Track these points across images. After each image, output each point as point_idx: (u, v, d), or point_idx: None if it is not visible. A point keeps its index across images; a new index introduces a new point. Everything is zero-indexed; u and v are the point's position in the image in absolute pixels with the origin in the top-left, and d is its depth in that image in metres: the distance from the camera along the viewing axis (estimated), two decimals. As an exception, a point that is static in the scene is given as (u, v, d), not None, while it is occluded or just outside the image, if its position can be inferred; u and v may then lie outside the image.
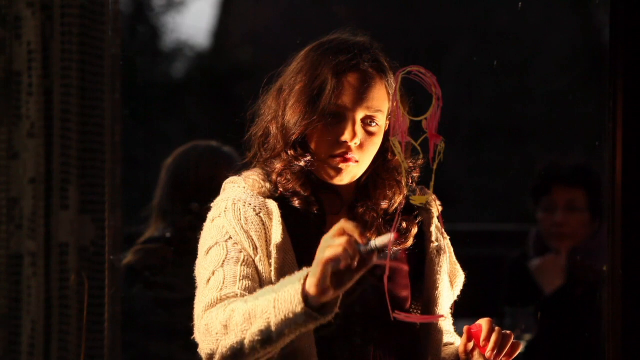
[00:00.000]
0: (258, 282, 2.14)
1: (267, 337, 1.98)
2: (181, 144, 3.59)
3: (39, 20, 2.90)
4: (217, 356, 2.06)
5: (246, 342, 2.01)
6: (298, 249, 2.17)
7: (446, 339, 2.36)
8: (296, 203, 2.22)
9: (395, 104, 2.09)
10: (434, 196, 2.31)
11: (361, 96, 2.18)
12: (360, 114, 2.19)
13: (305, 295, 1.93)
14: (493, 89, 6.37)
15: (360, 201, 2.27)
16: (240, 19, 7.21)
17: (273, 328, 1.97)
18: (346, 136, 2.18)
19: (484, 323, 2.20)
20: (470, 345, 2.21)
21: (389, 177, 2.27)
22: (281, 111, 2.24)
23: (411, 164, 2.26)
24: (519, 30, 6.09)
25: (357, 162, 2.20)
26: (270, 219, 2.18)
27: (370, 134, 2.20)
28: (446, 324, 2.37)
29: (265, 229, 2.17)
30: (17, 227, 2.90)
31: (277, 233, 2.16)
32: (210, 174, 3.40)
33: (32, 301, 2.87)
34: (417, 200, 2.14)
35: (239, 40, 7.10)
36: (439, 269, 2.29)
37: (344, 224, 1.94)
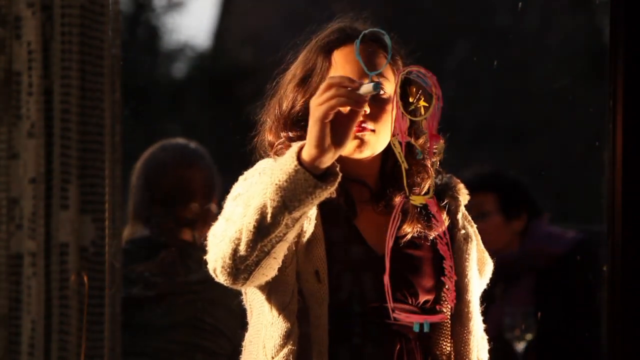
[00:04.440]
0: None
1: (262, 218, 1.94)
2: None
3: (39, 20, 2.90)
4: (220, 261, 2.02)
5: (244, 230, 1.97)
6: (326, 233, 2.15)
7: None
8: None
9: (395, 104, 2.09)
10: (461, 185, 2.30)
11: (356, 65, 2.16)
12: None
13: (299, 157, 1.92)
14: (493, 89, 6.37)
15: (388, 188, 2.23)
16: (240, 19, 7.21)
17: (269, 205, 1.93)
18: None
19: None
20: None
21: (415, 163, 2.23)
22: (281, 97, 2.23)
23: None
24: (519, 30, 6.09)
25: (373, 130, 2.15)
26: None
27: (377, 101, 2.16)
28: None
29: None
30: (17, 227, 2.90)
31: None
32: (181, 173, 3.35)
33: (32, 301, 2.87)
34: (416, 200, 2.13)
35: (239, 41, 7.10)
36: (467, 256, 2.27)
37: (329, 79, 1.95)
